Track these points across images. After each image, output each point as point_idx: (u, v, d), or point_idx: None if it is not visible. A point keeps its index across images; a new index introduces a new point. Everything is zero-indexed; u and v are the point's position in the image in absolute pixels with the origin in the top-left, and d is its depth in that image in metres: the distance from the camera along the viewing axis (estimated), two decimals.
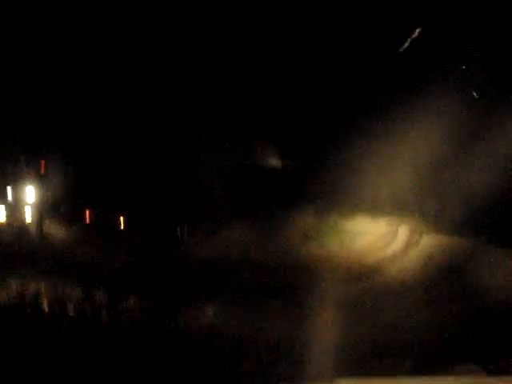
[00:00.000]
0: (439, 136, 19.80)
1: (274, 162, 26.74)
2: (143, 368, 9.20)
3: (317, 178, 23.70)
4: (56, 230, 20.75)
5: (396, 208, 21.74)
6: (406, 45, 21.35)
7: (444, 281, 15.29)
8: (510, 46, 18.72)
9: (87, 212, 22.91)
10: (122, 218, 22.84)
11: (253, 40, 23.82)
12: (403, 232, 20.33)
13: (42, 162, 23.29)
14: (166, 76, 24.72)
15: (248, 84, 25.20)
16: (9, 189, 21.78)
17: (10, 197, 21.74)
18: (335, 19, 22.34)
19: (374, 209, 22.15)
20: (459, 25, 19.97)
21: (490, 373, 7.52)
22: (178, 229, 22.80)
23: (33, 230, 20.52)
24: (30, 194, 21.72)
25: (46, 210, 21.62)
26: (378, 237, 21.00)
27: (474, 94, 20.29)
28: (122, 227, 22.47)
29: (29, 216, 21.29)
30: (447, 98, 19.59)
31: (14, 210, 21.53)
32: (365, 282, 16.74)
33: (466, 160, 19.18)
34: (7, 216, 21.34)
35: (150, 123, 24.98)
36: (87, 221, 22.36)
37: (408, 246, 19.26)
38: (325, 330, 10.56)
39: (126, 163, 24.59)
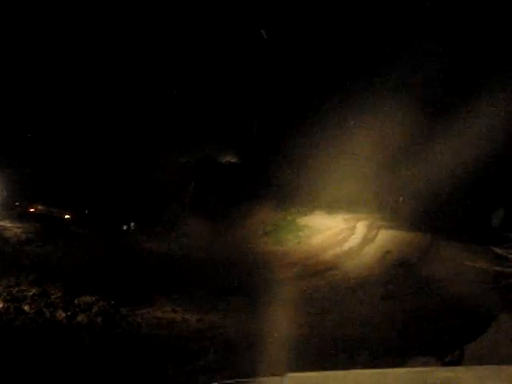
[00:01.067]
0: (396, 133, 20.10)
1: (232, 158, 26.76)
2: (99, 366, 9.06)
3: (274, 175, 23.81)
4: (8, 225, 20.37)
5: (353, 204, 21.99)
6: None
7: (400, 275, 15.48)
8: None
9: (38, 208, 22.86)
10: (71, 214, 22.68)
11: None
12: (360, 228, 20.54)
13: None
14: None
15: (208, 85, 25.25)
16: None
17: None
18: None
19: (332, 205, 22.36)
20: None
21: (445, 364, 7.62)
22: (131, 225, 22.74)
23: None
24: None
25: None
26: (336, 233, 21.17)
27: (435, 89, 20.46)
28: (72, 222, 22.26)
29: None
30: (404, 95, 19.87)
31: None
32: (322, 278, 16.84)
33: (421, 157, 19.49)
34: None
35: (101, 120, 24.86)
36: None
37: (365, 241, 19.45)
38: (282, 325, 10.58)
39: (76, 159, 24.40)
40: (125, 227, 22.44)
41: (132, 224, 22.49)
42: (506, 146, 17.33)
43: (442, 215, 18.55)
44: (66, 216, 22.47)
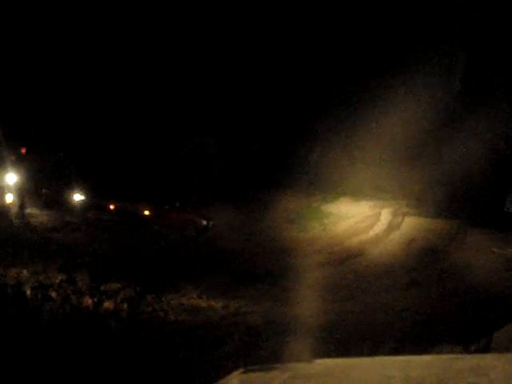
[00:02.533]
0: (419, 127, 20.12)
1: (257, 145, 26.69)
2: (126, 352, 9.16)
3: (299, 161, 23.71)
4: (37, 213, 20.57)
5: (378, 191, 21.84)
6: None
7: (425, 262, 15.37)
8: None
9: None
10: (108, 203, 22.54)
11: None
12: (385, 215, 20.40)
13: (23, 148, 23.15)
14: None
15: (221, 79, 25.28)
16: None
17: None
18: None
19: (357, 192, 22.23)
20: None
21: (472, 352, 7.55)
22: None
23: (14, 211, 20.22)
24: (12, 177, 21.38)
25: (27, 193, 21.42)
26: (361, 220, 21.06)
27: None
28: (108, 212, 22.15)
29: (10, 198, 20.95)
30: (428, 87, 19.84)
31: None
32: (347, 265, 16.79)
33: (443, 149, 19.37)
34: None
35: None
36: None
37: (390, 228, 19.33)
38: (307, 312, 10.58)
39: (105, 152, 24.60)
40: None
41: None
42: None
43: (464, 202, 18.46)
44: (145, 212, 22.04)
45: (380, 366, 2.40)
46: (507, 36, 18.79)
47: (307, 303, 11.26)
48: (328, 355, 6.41)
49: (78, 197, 22.88)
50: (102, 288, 12.86)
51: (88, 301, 11.98)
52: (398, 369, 2.24)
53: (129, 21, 24.32)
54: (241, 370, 2.34)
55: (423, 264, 15.24)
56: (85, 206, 22.51)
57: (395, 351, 8.46)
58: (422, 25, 20.67)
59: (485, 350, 7.91)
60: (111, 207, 20.89)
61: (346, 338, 9.58)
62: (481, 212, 17.13)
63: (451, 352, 7.54)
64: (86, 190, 22.90)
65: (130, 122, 25.13)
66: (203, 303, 12.48)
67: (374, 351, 8.56)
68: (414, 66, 20.72)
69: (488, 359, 2.55)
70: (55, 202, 22.34)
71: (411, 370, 2.13)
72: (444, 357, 2.74)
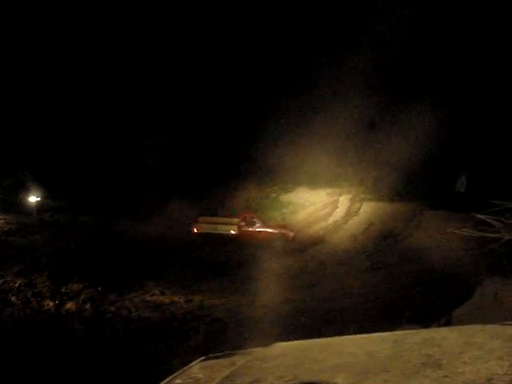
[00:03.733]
0: (369, 115, 20.54)
1: (215, 137, 26.65)
2: (91, 352, 9.08)
3: (257, 153, 23.78)
4: None
5: (335, 179, 22.09)
6: None
7: (385, 246, 15.62)
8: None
9: None
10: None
11: None
12: (343, 201, 20.66)
13: None
14: None
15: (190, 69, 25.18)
16: None
17: None
18: None
19: (314, 181, 22.44)
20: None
21: None
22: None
23: None
24: None
25: None
26: (320, 207, 21.27)
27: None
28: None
29: None
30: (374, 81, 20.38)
31: None
32: (309, 252, 16.95)
33: (393, 134, 19.75)
34: None
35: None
36: None
37: (349, 214, 19.58)
38: (271, 301, 10.66)
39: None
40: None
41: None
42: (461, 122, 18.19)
43: (418, 185, 18.87)
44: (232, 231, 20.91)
45: (339, 345, 2.46)
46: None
47: (271, 292, 11.34)
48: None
49: (33, 199, 22.53)
50: (63, 290, 12.71)
51: (49, 303, 11.83)
52: (355, 346, 2.30)
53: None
54: (202, 357, 2.37)
55: (382, 248, 15.50)
56: (40, 207, 22.20)
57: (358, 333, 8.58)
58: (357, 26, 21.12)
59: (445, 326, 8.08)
60: (195, 230, 19.75)
61: (311, 323, 9.67)
62: (434, 194, 17.51)
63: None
64: (40, 192, 22.55)
65: (81, 123, 24.80)
66: (166, 299, 12.44)
67: (339, 335, 8.67)
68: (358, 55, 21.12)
69: (441, 332, 2.63)
70: (10, 205, 21.96)
71: (369, 346, 2.19)
72: (401, 332, 2.80)
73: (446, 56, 19.41)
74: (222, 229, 19.57)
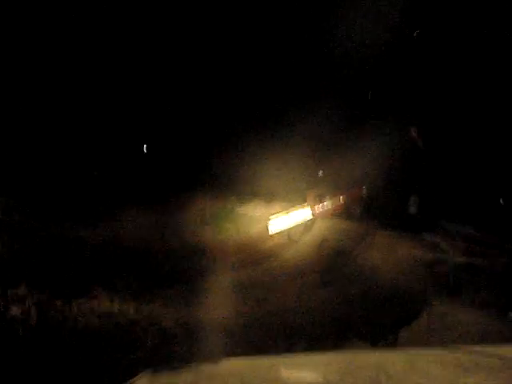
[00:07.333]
0: (327, 137, 20.98)
1: (170, 150, 26.56)
2: (34, 360, 8.87)
3: (214, 164, 23.80)
4: None
5: (291, 194, 22.23)
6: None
7: (337, 263, 15.76)
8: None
9: None
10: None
11: None
12: (299, 216, 20.76)
13: None
14: None
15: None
16: None
17: None
18: None
19: (271, 194, 22.54)
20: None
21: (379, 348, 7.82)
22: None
23: None
24: None
25: None
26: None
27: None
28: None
29: None
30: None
31: None
32: (261, 267, 16.96)
33: (358, 149, 20.09)
34: None
35: None
36: None
37: (303, 230, 19.68)
38: (220, 314, 10.63)
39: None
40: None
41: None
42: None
43: (372, 205, 19.23)
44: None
45: (288, 363, 2.47)
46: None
47: (221, 306, 11.31)
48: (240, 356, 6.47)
49: None
50: (8, 293, 12.39)
51: None
52: (301, 366, 2.31)
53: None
54: (148, 370, 2.35)
55: (334, 265, 15.63)
56: None
57: (307, 350, 8.64)
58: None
59: (392, 345, 8.22)
60: (271, 231, 18.75)
61: (260, 338, 9.68)
62: (388, 214, 17.82)
63: (359, 348, 7.78)
64: None
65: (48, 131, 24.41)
66: (115, 307, 12.24)
67: (287, 351, 8.71)
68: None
69: (387, 355, 2.67)
70: None
71: (315, 367, 2.21)
72: (348, 352, 2.85)
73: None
74: (296, 220, 19.06)
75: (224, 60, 23.69)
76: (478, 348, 2.60)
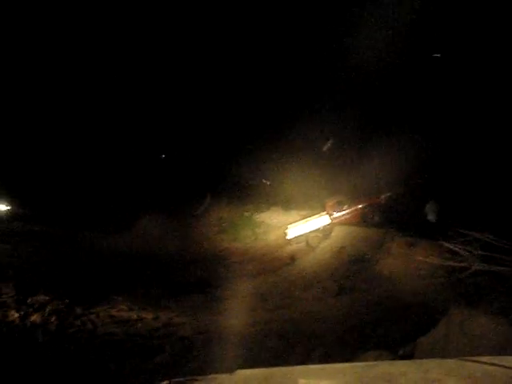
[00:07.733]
0: (347, 144, 20.98)
1: (190, 158, 26.69)
2: (54, 366, 8.95)
3: (232, 172, 23.89)
4: None
5: (309, 201, 22.23)
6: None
7: (354, 271, 15.68)
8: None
9: None
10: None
11: None
12: (316, 224, 20.74)
13: None
14: None
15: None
16: None
17: None
18: None
19: (288, 202, 22.56)
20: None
21: (398, 358, 7.76)
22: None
23: None
24: None
25: None
26: None
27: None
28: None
29: None
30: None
31: None
32: (279, 274, 16.95)
33: (374, 159, 20.06)
34: None
35: None
36: None
37: (321, 237, 19.65)
38: (238, 322, 10.63)
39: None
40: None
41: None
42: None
43: (390, 211, 19.14)
44: None
45: (302, 374, 2.48)
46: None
47: (239, 313, 11.32)
48: (259, 364, 6.48)
49: (2, 207, 22.22)
50: (28, 301, 12.53)
51: (14, 314, 11.64)
52: (316, 377, 2.33)
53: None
54: (164, 382, 2.37)
55: (352, 272, 15.55)
56: (11, 216, 21.88)
57: (325, 360, 8.60)
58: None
59: (410, 355, 8.16)
60: (289, 236, 19.67)
61: (277, 348, 9.65)
62: (407, 221, 17.71)
63: (378, 357, 7.73)
64: (11, 201, 22.21)
65: (51, 131, 24.63)
66: (134, 315, 12.32)
67: (303, 361, 8.67)
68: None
69: (401, 367, 2.67)
70: None
71: (330, 377, 2.23)
72: (362, 364, 2.85)
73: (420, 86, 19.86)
74: (313, 226, 19.90)
75: (247, 74, 23.81)
76: (494, 359, 2.56)
